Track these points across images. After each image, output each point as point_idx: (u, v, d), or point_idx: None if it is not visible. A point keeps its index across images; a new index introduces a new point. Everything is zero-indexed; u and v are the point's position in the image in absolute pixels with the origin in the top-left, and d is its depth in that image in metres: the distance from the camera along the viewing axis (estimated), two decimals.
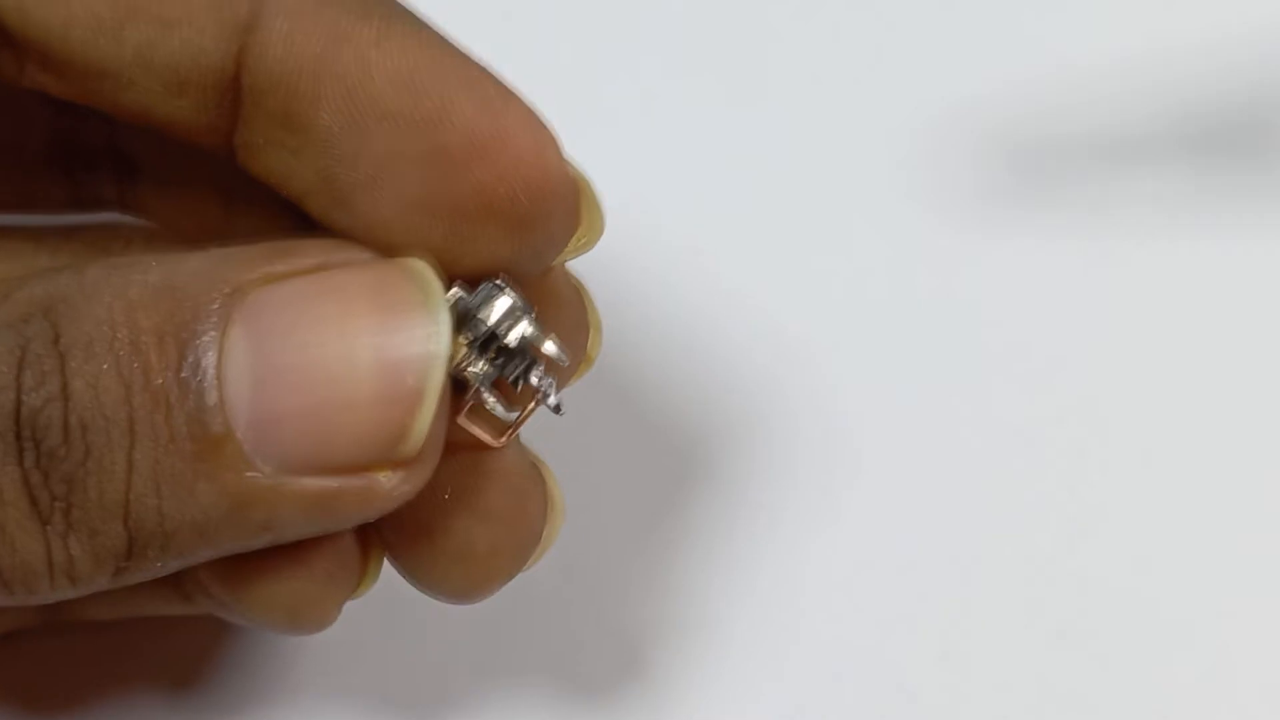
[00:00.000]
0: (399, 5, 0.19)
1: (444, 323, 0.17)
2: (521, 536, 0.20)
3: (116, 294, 0.17)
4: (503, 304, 0.18)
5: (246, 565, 0.19)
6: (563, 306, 0.20)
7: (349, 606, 0.21)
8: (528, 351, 0.18)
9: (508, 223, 0.18)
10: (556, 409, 0.19)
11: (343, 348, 0.17)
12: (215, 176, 0.21)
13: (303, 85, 0.18)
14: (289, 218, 0.20)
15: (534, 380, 0.19)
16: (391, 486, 0.17)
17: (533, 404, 0.19)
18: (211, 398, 0.17)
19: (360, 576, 0.20)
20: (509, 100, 0.18)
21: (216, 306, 0.17)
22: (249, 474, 0.17)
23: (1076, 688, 0.24)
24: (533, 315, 0.18)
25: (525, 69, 0.20)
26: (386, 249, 0.18)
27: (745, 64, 0.30)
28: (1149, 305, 0.27)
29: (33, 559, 0.17)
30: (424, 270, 0.18)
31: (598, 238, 0.20)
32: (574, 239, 0.19)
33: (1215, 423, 0.26)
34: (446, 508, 0.19)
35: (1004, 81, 0.29)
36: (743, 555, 0.25)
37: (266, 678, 0.24)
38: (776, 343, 0.27)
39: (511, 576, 0.21)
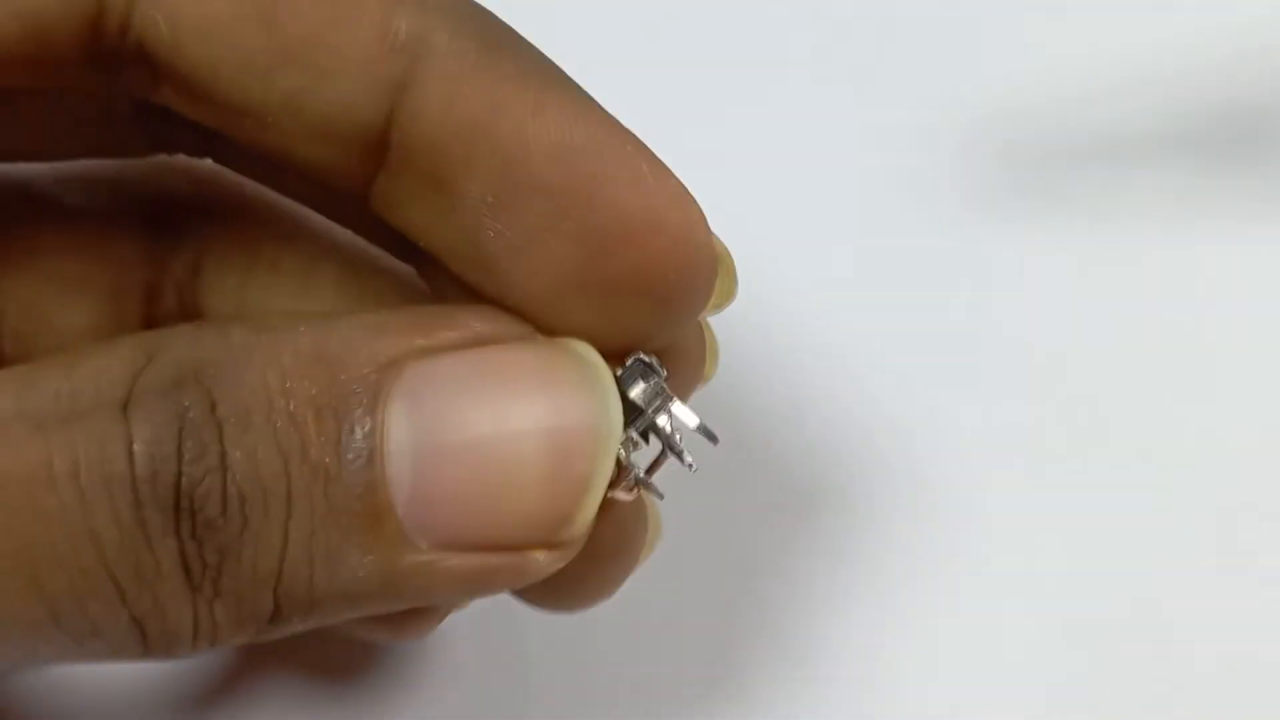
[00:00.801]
0: (555, 70, 0.18)
1: (616, 411, 0.17)
2: (625, 568, 0.21)
3: (269, 362, 0.16)
4: (650, 385, 0.18)
5: None
6: (686, 340, 0.20)
7: None
8: (673, 427, 0.18)
9: (653, 300, 0.18)
10: (691, 467, 0.18)
11: (510, 429, 0.17)
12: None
13: (456, 150, 0.17)
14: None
15: (673, 440, 0.18)
16: (546, 564, 0.17)
17: (663, 459, 0.19)
18: (372, 473, 0.16)
19: None
20: (661, 177, 0.18)
21: (374, 379, 0.17)
22: (406, 550, 0.17)
23: (1077, 687, 0.24)
24: (674, 397, 0.18)
25: None
26: (530, 316, 0.18)
27: (745, 64, 0.30)
28: (1150, 305, 0.27)
29: (180, 627, 0.17)
30: (594, 357, 0.18)
31: (729, 302, 0.20)
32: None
33: (1215, 422, 0.26)
34: None
35: (1004, 83, 0.29)
36: (738, 555, 0.26)
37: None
38: (775, 343, 0.27)
39: (613, 594, 0.21)
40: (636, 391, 0.18)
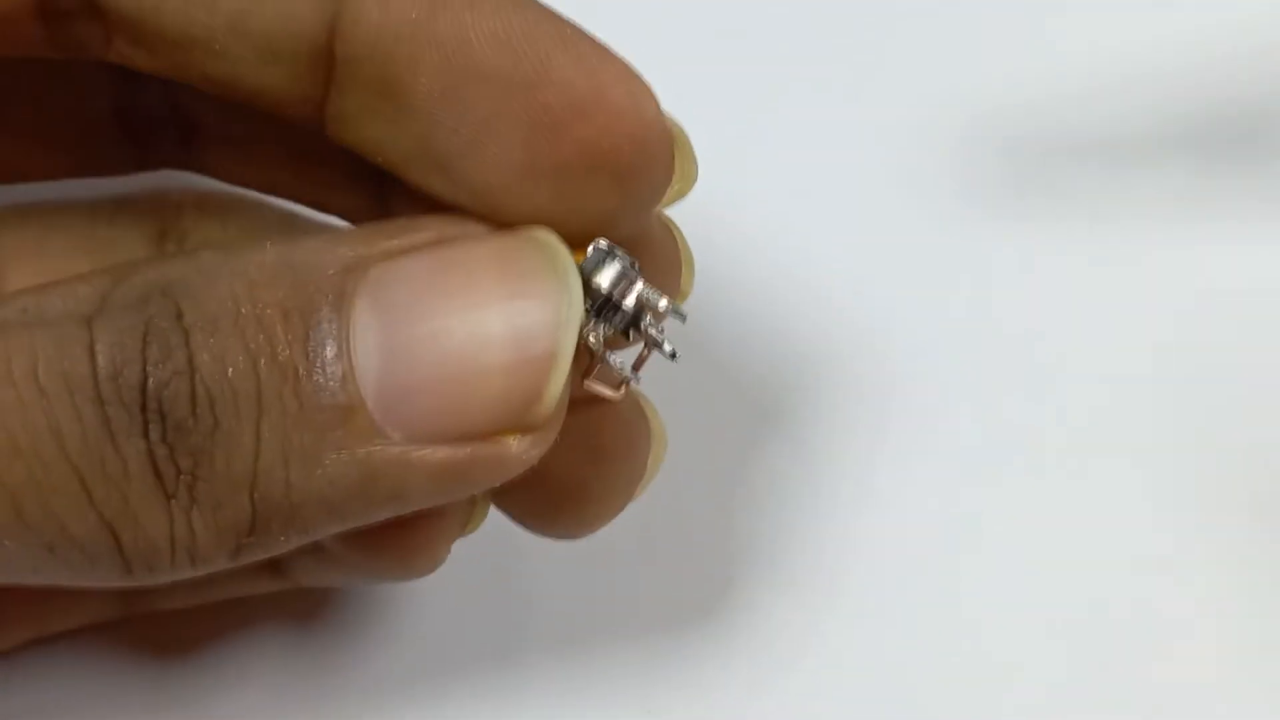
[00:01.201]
0: None
1: (576, 288, 0.18)
2: (631, 472, 0.21)
3: (236, 274, 0.17)
4: (615, 269, 0.18)
5: None
6: (657, 247, 0.21)
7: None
8: (641, 307, 0.19)
9: (609, 178, 0.18)
10: (673, 355, 0.19)
11: (473, 318, 0.17)
12: (282, 136, 0.21)
13: (400, 51, 0.18)
14: (365, 178, 0.20)
15: (651, 331, 0.19)
16: (520, 451, 0.17)
17: (647, 352, 0.19)
18: (341, 369, 0.17)
19: (469, 515, 0.21)
20: (604, 56, 0.18)
21: (339, 282, 0.17)
22: (379, 444, 0.17)
23: (1077, 687, 0.24)
24: (642, 276, 0.18)
25: None
26: (492, 213, 0.18)
27: (744, 61, 0.30)
28: (1150, 305, 0.27)
29: (156, 535, 0.17)
30: (550, 239, 0.18)
31: (692, 185, 0.20)
32: (670, 188, 0.19)
33: (1215, 422, 0.26)
34: (557, 451, 0.19)
35: (1005, 80, 0.29)
36: (731, 548, 0.26)
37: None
38: (775, 341, 0.27)
39: (620, 511, 0.21)
40: (601, 276, 0.18)
